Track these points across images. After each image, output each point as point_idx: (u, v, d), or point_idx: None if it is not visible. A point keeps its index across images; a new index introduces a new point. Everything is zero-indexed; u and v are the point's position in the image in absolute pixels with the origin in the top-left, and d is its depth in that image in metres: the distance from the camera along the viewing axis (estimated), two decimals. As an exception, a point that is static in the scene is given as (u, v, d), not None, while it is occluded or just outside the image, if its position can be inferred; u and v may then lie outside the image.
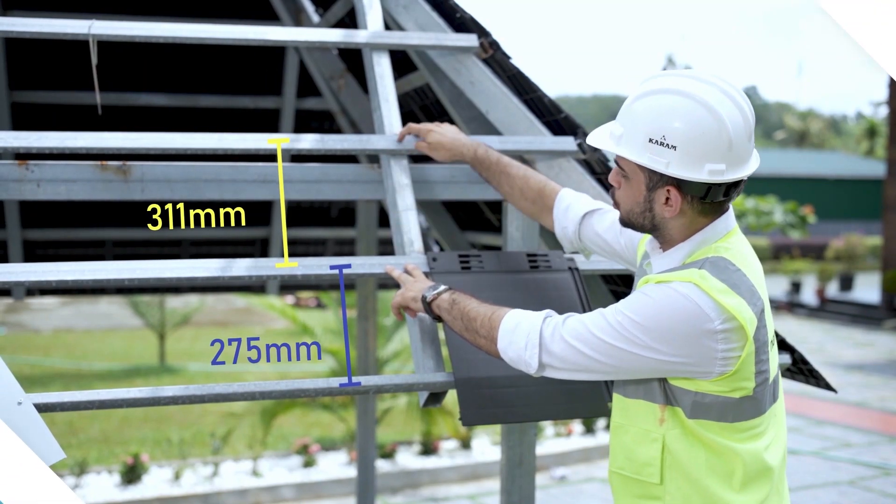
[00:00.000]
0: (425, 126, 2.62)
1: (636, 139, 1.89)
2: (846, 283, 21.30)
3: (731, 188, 1.90)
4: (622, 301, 1.90)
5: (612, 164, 2.79)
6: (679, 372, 1.85)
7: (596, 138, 2.02)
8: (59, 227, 4.89)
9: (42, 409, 1.96)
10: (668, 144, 1.85)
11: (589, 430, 8.89)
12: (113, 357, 13.54)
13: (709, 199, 1.89)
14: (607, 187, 2.80)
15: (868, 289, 21.09)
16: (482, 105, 2.94)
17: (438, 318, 2.21)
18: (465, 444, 8.40)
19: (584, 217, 2.35)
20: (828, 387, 2.67)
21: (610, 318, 1.87)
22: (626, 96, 1.98)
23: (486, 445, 8.46)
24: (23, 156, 3.19)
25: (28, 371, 12.02)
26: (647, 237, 2.08)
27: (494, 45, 2.88)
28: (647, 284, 1.89)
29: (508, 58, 2.86)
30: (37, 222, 4.81)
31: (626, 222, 2.03)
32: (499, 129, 2.91)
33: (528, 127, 2.84)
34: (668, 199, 1.90)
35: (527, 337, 1.96)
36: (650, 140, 1.87)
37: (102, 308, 18.16)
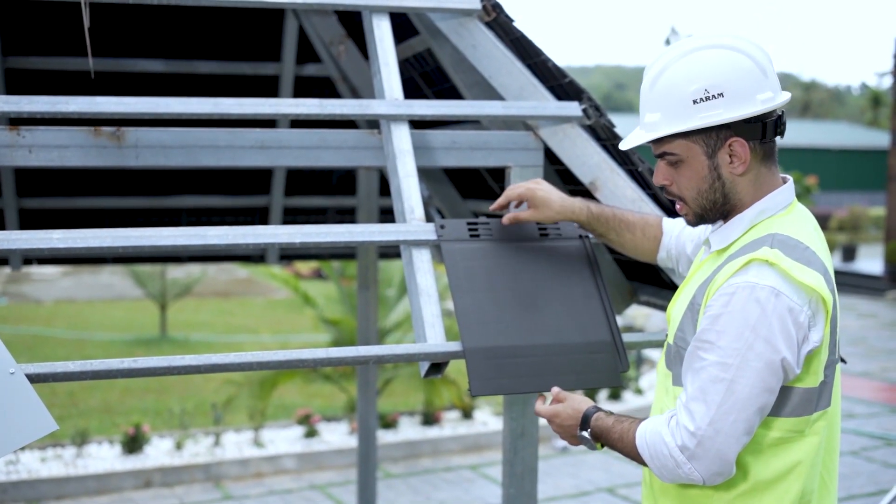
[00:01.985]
0: (521, 185, 2.38)
1: (679, 110, 1.84)
2: (849, 254, 21.26)
3: (777, 123, 1.88)
4: (707, 342, 1.79)
5: (620, 132, 2.74)
6: (793, 368, 1.78)
7: (632, 139, 1.94)
8: (57, 196, 4.84)
9: (34, 379, 1.92)
10: (713, 95, 1.82)
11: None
12: (114, 328, 13.54)
13: (767, 138, 1.87)
14: (612, 154, 2.75)
15: (871, 260, 21.07)
16: (485, 70, 2.87)
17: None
18: (467, 415, 8.39)
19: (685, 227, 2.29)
20: (839, 358, 2.62)
21: (711, 372, 1.77)
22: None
23: (488, 416, 8.46)
24: (15, 121, 3.14)
25: (30, 341, 12.03)
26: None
27: (497, 7, 2.81)
28: (717, 295, 1.79)
29: (511, 21, 2.80)
30: (34, 191, 4.76)
31: (698, 214, 1.93)
32: (502, 95, 2.85)
33: (532, 92, 2.78)
34: (732, 155, 1.86)
35: (671, 457, 1.82)
36: (694, 101, 1.83)
37: (104, 279, 18.17)
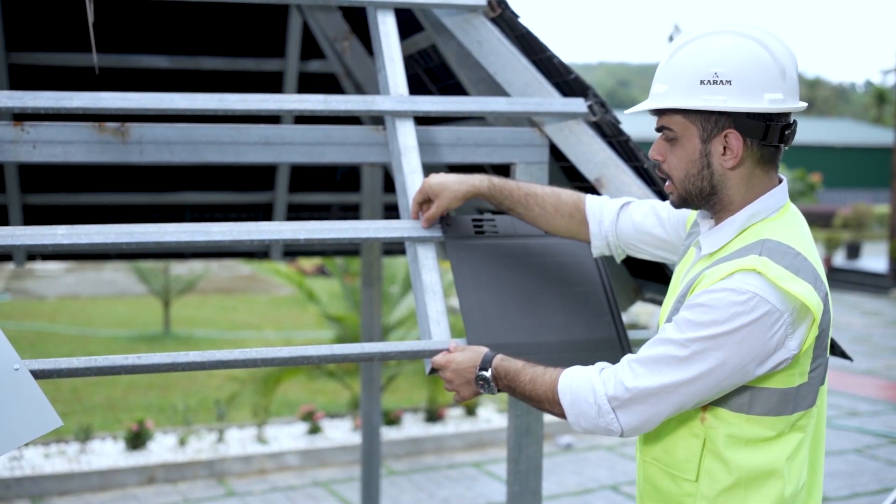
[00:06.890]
0: (419, 190, 2.35)
1: (685, 86, 1.81)
2: (853, 252, 21.22)
3: (784, 131, 1.83)
4: (678, 323, 1.79)
5: (626, 129, 2.73)
6: (754, 373, 1.76)
7: (638, 106, 1.92)
8: (60, 192, 4.84)
9: (38, 375, 1.91)
10: (722, 80, 1.79)
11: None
12: (118, 324, 13.55)
13: (767, 141, 1.81)
14: (618, 150, 2.74)
15: (876, 257, 21.04)
16: (490, 66, 2.86)
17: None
18: (471, 412, 8.39)
19: (620, 209, 2.22)
20: (843, 355, 2.62)
21: (670, 348, 1.77)
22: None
23: (492, 413, 8.46)
24: (19, 117, 3.13)
25: (33, 338, 12.04)
26: (696, 213, 1.98)
27: (502, 3, 2.80)
28: (701, 292, 1.78)
29: (517, 17, 2.79)
30: (38, 187, 4.76)
31: (682, 196, 1.91)
32: (507, 91, 2.84)
33: (537, 88, 2.77)
34: (726, 147, 1.82)
35: (595, 404, 1.84)
36: (701, 82, 1.80)
37: (107, 275, 18.17)
